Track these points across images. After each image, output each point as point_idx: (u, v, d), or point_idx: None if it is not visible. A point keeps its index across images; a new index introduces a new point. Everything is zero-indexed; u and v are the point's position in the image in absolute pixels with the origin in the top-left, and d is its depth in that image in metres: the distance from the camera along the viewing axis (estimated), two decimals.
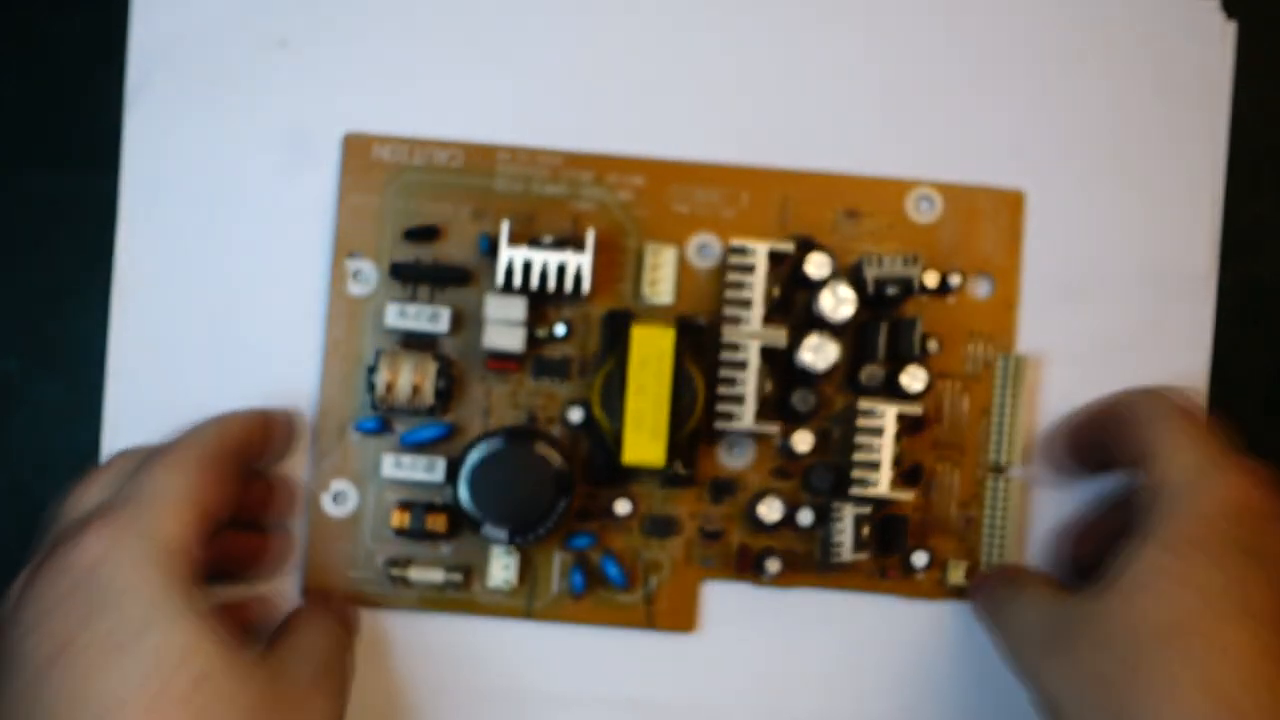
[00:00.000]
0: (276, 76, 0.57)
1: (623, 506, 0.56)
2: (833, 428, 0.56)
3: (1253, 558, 0.46)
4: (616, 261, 0.56)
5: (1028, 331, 0.57)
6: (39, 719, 0.43)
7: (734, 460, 0.56)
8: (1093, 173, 0.57)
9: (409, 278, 0.56)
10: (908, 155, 0.57)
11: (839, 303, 0.54)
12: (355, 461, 0.56)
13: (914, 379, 0.55)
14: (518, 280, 0.53)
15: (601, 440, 0.55)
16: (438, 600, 0.56)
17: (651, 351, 0.52)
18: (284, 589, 0.56)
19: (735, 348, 0.53)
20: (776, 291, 0.54)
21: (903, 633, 0.57)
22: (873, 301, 0.55)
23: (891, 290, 0.54)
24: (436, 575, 0.55)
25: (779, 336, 0.53)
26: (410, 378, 0.54)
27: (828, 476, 0.55)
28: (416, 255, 0.56)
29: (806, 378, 0.55)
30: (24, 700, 0.44)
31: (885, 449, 0.54)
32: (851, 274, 0.55)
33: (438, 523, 0.55)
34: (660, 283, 0.56)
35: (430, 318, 0.55)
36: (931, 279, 0.56)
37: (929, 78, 0.57)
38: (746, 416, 0.53)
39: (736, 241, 0.54)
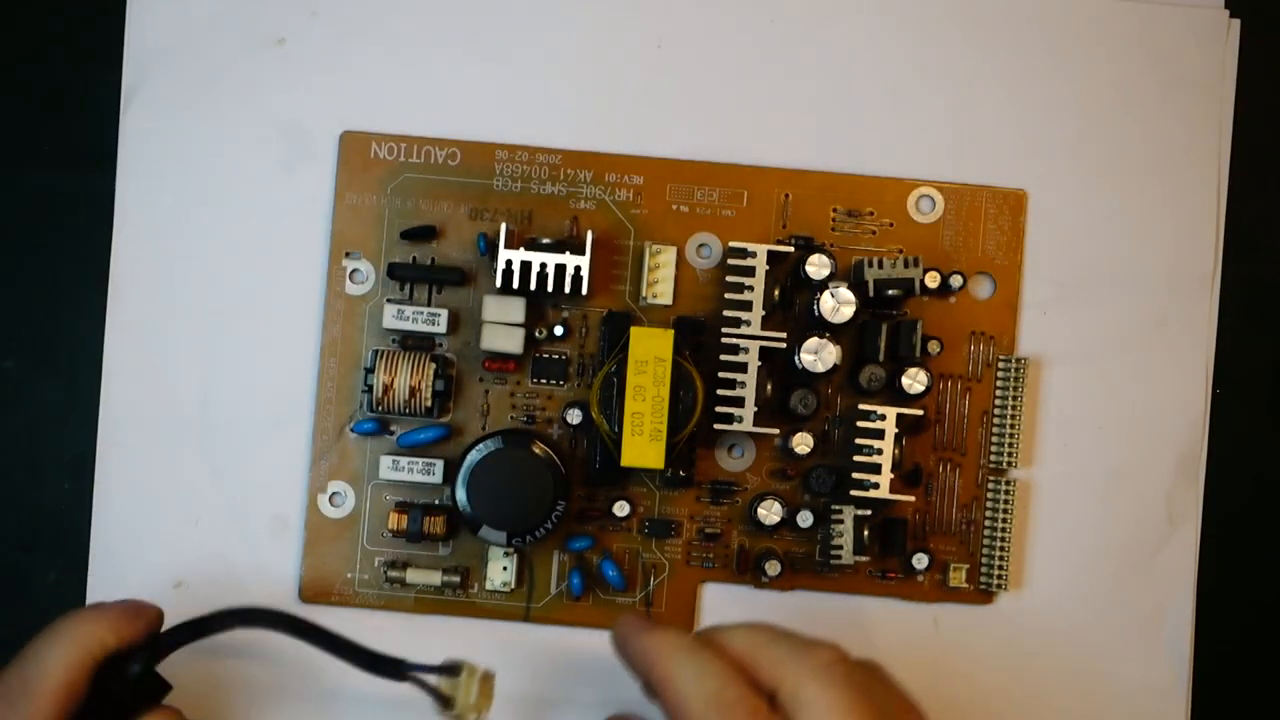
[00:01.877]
0: (273, 75, 0.56)
1: (621, 508, 0.55)
2: (833, 429, 0.56)
3: None
4: (616, 262, 0.56)
5: (1029, 332, 0.57)
6: None
7: (733, 462, 0.56)
8: (1095, 172, 0.57)
9: (406, 278, 0.55)
10: (909, 155, 0.57)
11: (839, 305, 0.54)
12: (353, 463, 0.56)
13: (914, 380, 0.54)
14: (516, 281, 0.53)
15: (600, 442, 0.54)
16: (436, 602, 0.56)
17: (650, 354, 0.52)
18: (281, 594, 0.56)
19: (735, 349, 0.53)
20: (776, 293, 0.54)
21: (903, 635, 0.57)
22: (873, 303, 0.55)
23: (892, 292, 0.54)
24: (434, 577, 0.55)
25: (779, 338, 0.53)
26: (408, 379, 0.54)
27: (828, 478, 0.55)
28: (414, 255, 0.56)
29: (806, 379, 0.54)
30: None
31: (885, 451, 0.53)
32: (852, 275, 0.55)
33: (436, 524, 0.54)
34: (660, 283, 0.56)
35: (428, 319, 0.54)
36: (932, 280, 0.55)
37: (930, 77, 0.57)
38: (746, 418, 0.53)
39: (736, 243, 0.54)
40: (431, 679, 0.49)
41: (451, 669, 0.49)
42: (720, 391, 0.53)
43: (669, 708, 0.46)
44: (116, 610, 0.50)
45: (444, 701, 0.49)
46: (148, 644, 0.49)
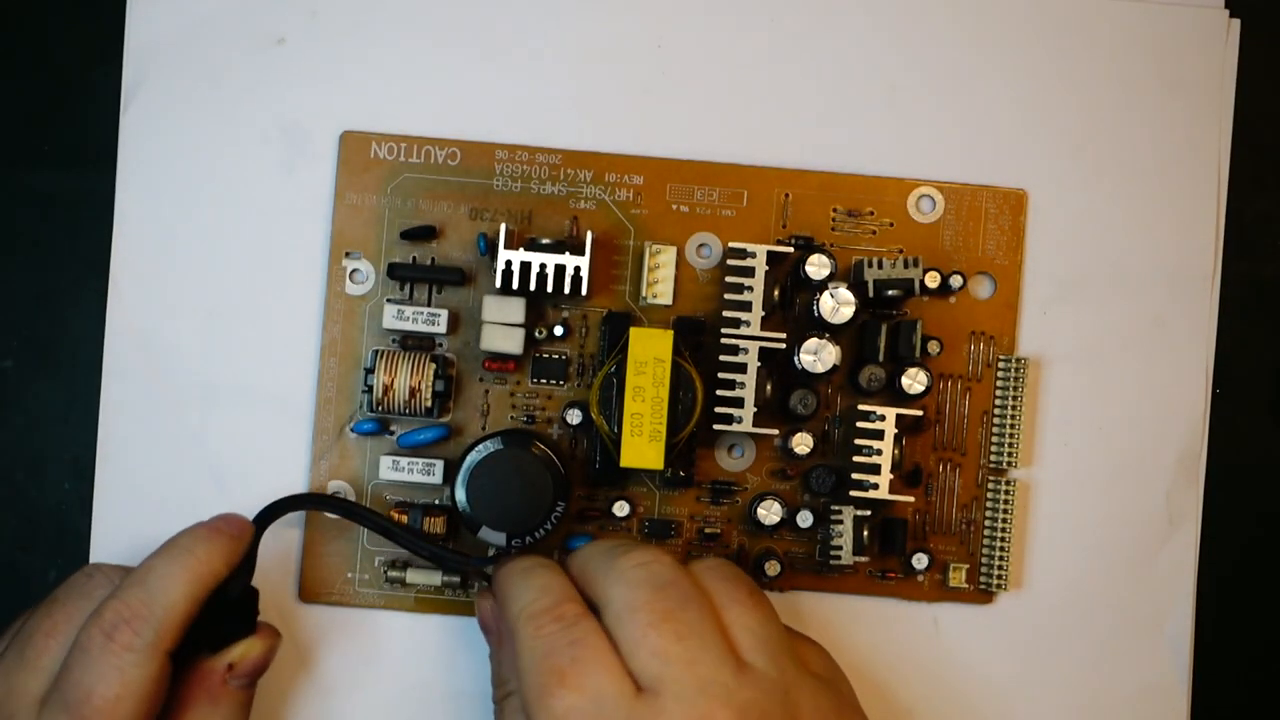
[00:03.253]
0: (273, 74, 0.56)
1: (621, 508, 0.55)
2: (833, 430, 0.56)
3: None
4: (616, 262, 0.56)
5: (1029, 332, 0.57)
6: None
7: (733, 462, 0.56)
8: (1096, 172, 0.57)
9: (406, 278, 0.55)
10: (909, 154, 0.57)
11: (839, 305, 0.54)
12: (352, 463, 0.56)
13: (914, 381, 0.54)
14: (516, 281, 0.53)
15: (600, 442, 0.54)
16: (436, 602, 0.56)
17: (650, 354, 0.52)
18: (281, 593, 0.56)
19: (735, 350, 0.53)
20: (776, 293, 0.54)
21: (903, 635, 0.57)
22: (873, 303, 0.55)
23: (892, 292, 0.54)
24: (434, 577, 0.55)
25: (778, 338, 0.53)
26: (408, 379, 0.54)
27: (828, 479, 0.55)
28: (414, 255, 0.56)
29: (806, 379, 0.54)
30: None
31: (885, 451, 0.53)
32: (852, 275, 0.55)
33: (436, 524, 0.54)
34: (659, 283, 0.56)
35: (428, 319, 0.54)
36: (932, 280, 0.55)
37: (930, 77, 0.57)
38: (746, 419, 0.53)
39: (736, 243, 0.54)
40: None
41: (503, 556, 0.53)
42: (720, 392, 0.53)
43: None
44: (225, 536, 0.50)
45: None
46: (245, 565, 0.51)
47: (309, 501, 0.54)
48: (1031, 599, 0.57)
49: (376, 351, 0.54)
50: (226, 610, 0.51)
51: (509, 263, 0.53)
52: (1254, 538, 0.58)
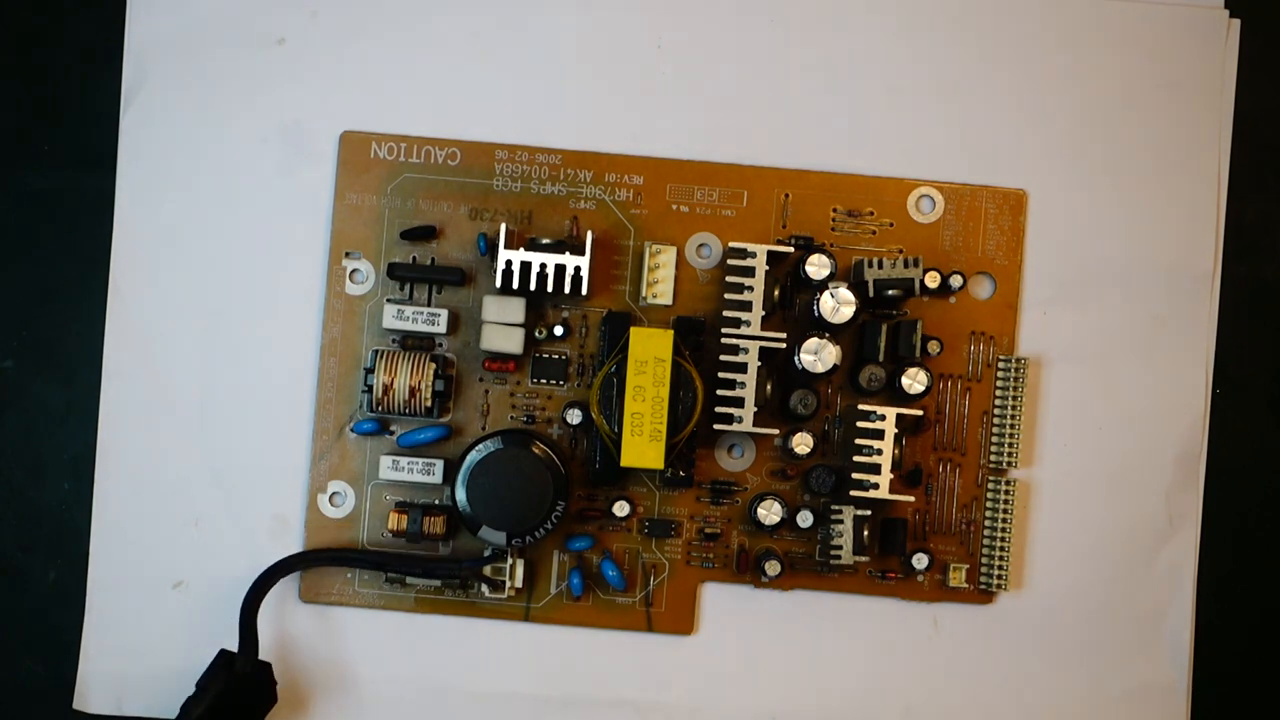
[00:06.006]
0: (273, 75, 0.56)
1: (621, 508, 0.55)
2: (833, 429, 0.56)
3: None
4: (616, 262, 0.56)
5: (1029, 332, 0.57)
6: None
7: (733, 462, 0.56)
8: (1095, 172, 0.57)
9: (406, 278, 0.55)
10: (909, 155, 0.57)
11: (839, 305, 0.54)
12: (352, 463, 0.56)
13: (914, 381, 0.54)
14: (516, 281, 0.53)
15: (600, 442, 0.54)
16: (435, 602, 0.56)
17: (650, 354, 0.52)
18: (282, 594, 0.56)
19: (735, 349, 0.53)
20: (776, 293, 0.54)
21: (903, 635, 0.57)
22: (873, 303, 0.55)
23: (892, 292, 0.54)
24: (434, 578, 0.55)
25: (778, 338, 0.53)
26: (407, 379, 0.54)
27: (828, 478, 0.55)
28: (414, 255, 0.56)
29: (806, 379, 0.54)
30: None
31: (885, 451, 0.53)
32: (852, 275, 0.55)
33: (435, 524, 0.54)
34: (660, 283, 0.56)
35: (428, 319, 0.54)
36: (932, 280, 0.55)
37: (930, 77, 0.57)
38: (746, 419, 0.53)
39: (736, 243, 0.54)
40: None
41: (498, 555, 0.54)
42: (720, 392, 0.53)
43: None
44: None
45: (494, 585, 0.55)
46: (247, 640, 0.53)
47: (297, 563, 0.54)
48: (1031, 599, 0.57)
49: (376, 351, 0.54)
50: (243, 687, 0.53)
51: (509, 263, 0.53)
52: (1254, 538, 0.58)
